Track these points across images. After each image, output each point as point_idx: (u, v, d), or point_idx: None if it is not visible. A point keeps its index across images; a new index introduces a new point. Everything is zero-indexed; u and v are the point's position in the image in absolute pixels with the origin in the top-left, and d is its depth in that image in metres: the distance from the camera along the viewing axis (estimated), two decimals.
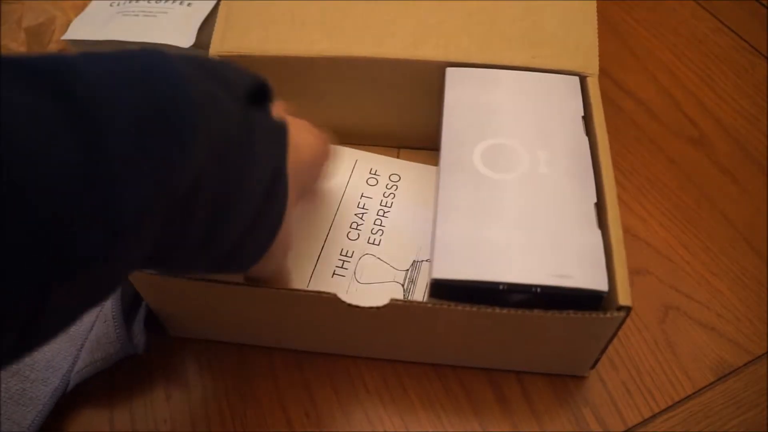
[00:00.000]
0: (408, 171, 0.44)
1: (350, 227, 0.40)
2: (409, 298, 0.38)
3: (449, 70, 0.40)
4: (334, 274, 0.38)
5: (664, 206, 0.46)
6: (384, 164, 0.44)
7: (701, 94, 0.53)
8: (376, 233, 0.40)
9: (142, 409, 0.37)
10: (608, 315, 0.30)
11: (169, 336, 0.40)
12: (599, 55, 0.41)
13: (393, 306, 0.32)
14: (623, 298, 0.30)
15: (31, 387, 0.36)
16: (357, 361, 0.39)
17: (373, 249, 0.39)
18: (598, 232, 0.33)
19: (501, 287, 0.31)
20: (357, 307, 0.32)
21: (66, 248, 0.18)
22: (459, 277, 0.31)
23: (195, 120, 0.22)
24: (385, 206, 0.41)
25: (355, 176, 0.44)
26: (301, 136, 0.30)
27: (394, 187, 0.43)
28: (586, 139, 0.37)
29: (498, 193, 0.34)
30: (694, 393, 0.37)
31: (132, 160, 0.20)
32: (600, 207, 0.34)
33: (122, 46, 0.48)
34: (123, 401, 0.37)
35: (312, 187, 0.36)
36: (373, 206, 0.41)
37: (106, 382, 0.38)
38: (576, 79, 0.40)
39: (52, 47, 0.53)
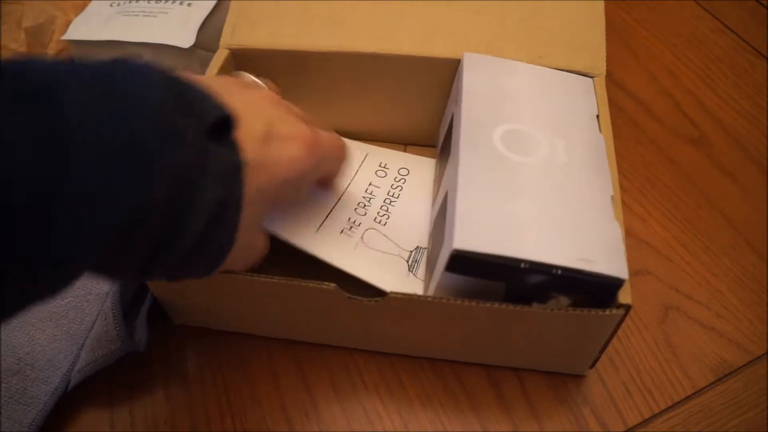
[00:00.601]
0: (417, 165, 0.44)
1: (357, 205, 0.40)
2: (414, 274, 0.37)
3: (466, 55, 0.40)
4: (342, 231, 0.38)
5: (664, 206, 0.46)
6: (394, 158, 0.44)
7: (701, 94, 0.53)
8: (383, 216, 0.40)
9: (142, 409, 0.37)
10: (608, 312, 0.30)
11: (174, 325, 0.40)
12: None
13: (393, 299, 0.32)
14: (623, 296, 0.30)
15: (31, 386, 0.36)
16: (356, 360, 0.39)
17: (379, 227, 0.39)
18: (617, 224, 0.32)
19: (522, 265, 0.30)
20: (357, 299, 0.33)
21: (20, 259, 0.19)
22: (481, 250, 0.30)
23: (159, 158, 0.22)
24: (392, 196, 0.41)
25: (365, 168, 0.44)
26: (280, 153, 0.29)
27: (402, 180, 0.43)
28: (601, 136, 0.37)
29: (519, 174, 0.34)
30: (694, 393, 0.37)
31: (92, 195, 0.20)
32: None
33: (122, 46, 0.48)
34: (123, 401, 0.37)
35: (300, 193, 0.36)
36: (380, 195, 0.41)
37: (106, 382, 0.38)
38: (590, 80, 0.40)
39: (52, 47, 0.54)
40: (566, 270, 0.30)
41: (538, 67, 0.40)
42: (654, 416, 0.36)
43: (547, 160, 0.35)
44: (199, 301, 0.38)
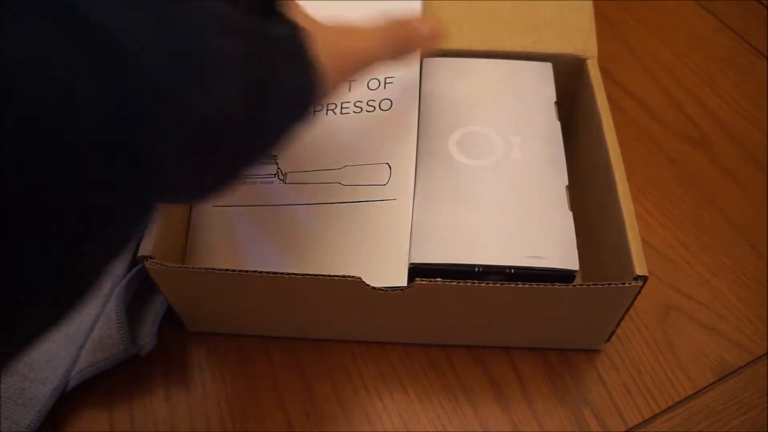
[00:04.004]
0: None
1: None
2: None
3: (426, 61, 0.41)
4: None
5: (664, 206, 0.45)
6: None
7: (701, 94, 0.52)
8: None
9: (142, 409, 0.37)
10: (626, 285, 0.31)
11: (174, 326, 0.40)
12: (599, 55, 0.42)
13: (418, 287, 0.32)
14: (639, 268, 0.31)
15: (30, 386, 0.36)
16: (356, 360, 0.39)
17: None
18: (569, 214, 0.34)
19: (477, 269, 0.33)
20: (382, 289, 0.33)
21: (101, 191, 0.18)
22: (436, 261, 0.33)
23: (216, 58, 0.21)
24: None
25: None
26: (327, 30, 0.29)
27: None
28: (558, 124, 0.38)
29: (473, 180, 0.36)
30: (694, 393, 0.37)
31: (159, 101, 0.19)
32: (608, 178, 0.35)
33: None
34: (123, 401, 0.37)
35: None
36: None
37: (106, 382, 0.38)
38: (549, 65, 0.41)
39: None
40: (518, 268, 0.33)
41: (498, 61, 0.41)
42: (654, 416, 0.36)
43: (501, 161, 0.37)
44: (217, 305, 0.37)
